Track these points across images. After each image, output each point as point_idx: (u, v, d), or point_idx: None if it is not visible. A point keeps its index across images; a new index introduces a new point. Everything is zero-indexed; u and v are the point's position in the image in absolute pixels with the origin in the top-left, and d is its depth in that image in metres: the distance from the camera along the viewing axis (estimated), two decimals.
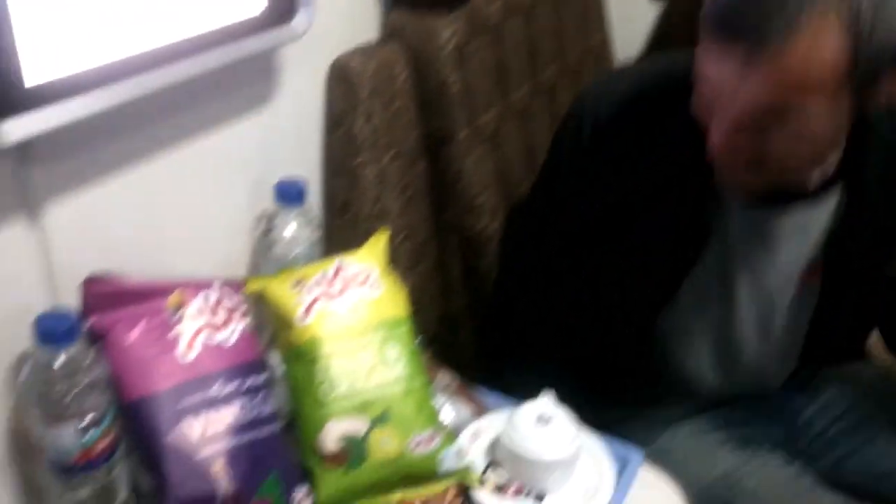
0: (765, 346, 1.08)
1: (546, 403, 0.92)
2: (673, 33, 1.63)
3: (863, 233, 0.97)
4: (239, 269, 0.99)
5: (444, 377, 1.03)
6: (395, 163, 1.08)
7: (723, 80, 0.78)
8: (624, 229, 0.98)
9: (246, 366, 0.78)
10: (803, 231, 0.97)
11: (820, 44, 0.72)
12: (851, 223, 0.96)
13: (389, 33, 1.12)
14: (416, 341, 0.92)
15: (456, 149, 1.13)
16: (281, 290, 0.88)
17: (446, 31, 1.09)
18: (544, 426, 0.89)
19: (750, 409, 1.18)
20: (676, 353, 1.08)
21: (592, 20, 1.52)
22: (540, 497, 0.89)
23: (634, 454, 0.95)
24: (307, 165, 1.06)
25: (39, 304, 0.73)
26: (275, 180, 0.95)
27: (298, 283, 0.89)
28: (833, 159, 0.91)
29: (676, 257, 0.98)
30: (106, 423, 0.72)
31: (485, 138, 1.17)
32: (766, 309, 1.04)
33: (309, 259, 0.97)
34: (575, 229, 1.02)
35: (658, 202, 0.95)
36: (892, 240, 0.98)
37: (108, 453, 0.73)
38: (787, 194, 0.94)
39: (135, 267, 0.79)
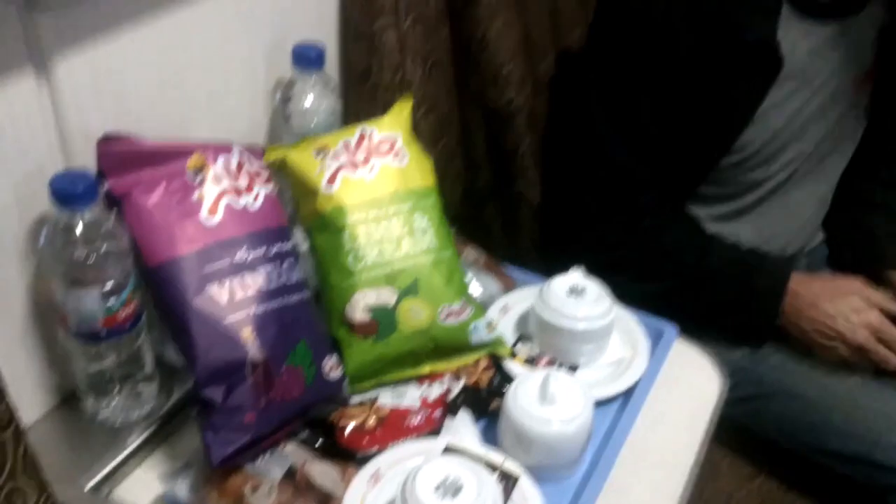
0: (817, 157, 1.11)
1: (578, 276, 0.89)
2: None
3: None
4: (257, 138, 0.95)
5: (472, 253, 1.00)
6: (417, 27, 1.02)
7: None
8: (702, 57, 0.99)
9: (272, 231, 0.74)
10: (853, 38, 1.04)
11: None
12: (892, 32, 1.05)
13: None
14: (444, 213, 0.89)
15: (481, 12, 1.06)
16: (303, 159, 0.84)
17: None
18: (577, 297, 0.86)
19: None
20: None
21: None
22: (573, 369, 0.87)
23: (669, 328, 0.93)
24: (325, 30, 1.00)
25: (53, 165, 0.69)
26: (292, 44, 0.89)
27: (321, 151, 0.85)
28: None
29: (755, 75, 1.01)
30: (129, 289, 0.69)
31: (510, 4, 1.10)
32: (829, 111, 1.08)
33: (329, 128, 0.93)
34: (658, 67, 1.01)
35: (731, 26, 0.98)
36: None
37: (133, 321, 0.71)
38: (836, 6, 1.02)
39: (149, 129, 0.75)
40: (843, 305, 1.05)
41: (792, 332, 1.07)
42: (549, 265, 0.94)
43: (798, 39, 1.01)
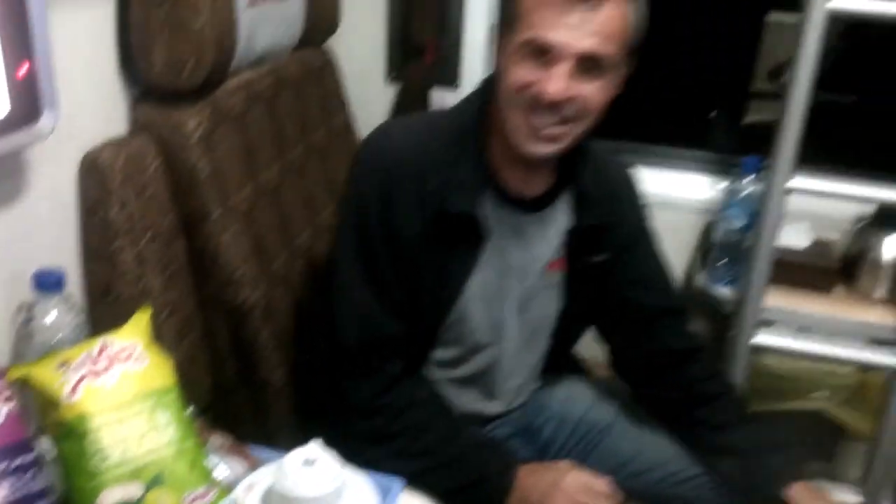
0: (524, 333, 1.32)
1: (313, 448, 1.02)
2: (409, 111, 1.83)
3: (587, 230, 1.26)
4: (1, 359, 1.01)
5: (218, 438, 1.10)
6: (153, 244, 1.15)
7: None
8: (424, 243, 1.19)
9: (14, 445, 0.81)
10: (546, 228, 1.26)
11: None
12: (578, 222, 1.26)
13: (139, 126, 1.20)
14: (187, 407, 0.99)
15: (212, 227, 1.22)
16: (45, 374, 0.92)
17: (191, 122, 1.19)
18: (310, 467, 0.99)
19: (503, 428, 1.38)
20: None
21: (333, 103, 1.68)
22: None
23: (395, 483, 1.07)
24: (66, 253, 1.11)
25: None
26: (32, 270, 0.99)
27: (63, 364, 0.94)
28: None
29: (463, 260, 1.22)
30: None
31: (239, 215, 1.28)
32: (526, 294, 1.28)
33: (73, 343, 1.02)
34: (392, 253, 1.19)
35: (446, 217, 1.17)
36: (608, 239, 1.28)
37: None
38: (534, 200, 1.24)
39: None
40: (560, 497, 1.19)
41: None
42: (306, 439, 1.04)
43: (500, 220, 1.22)
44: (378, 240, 1.18)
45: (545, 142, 1.12)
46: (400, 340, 1.23)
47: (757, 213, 1.55)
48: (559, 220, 1.27)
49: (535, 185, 1.24)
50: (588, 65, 1.07)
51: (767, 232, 1.50)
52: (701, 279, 1.71)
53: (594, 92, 1.09)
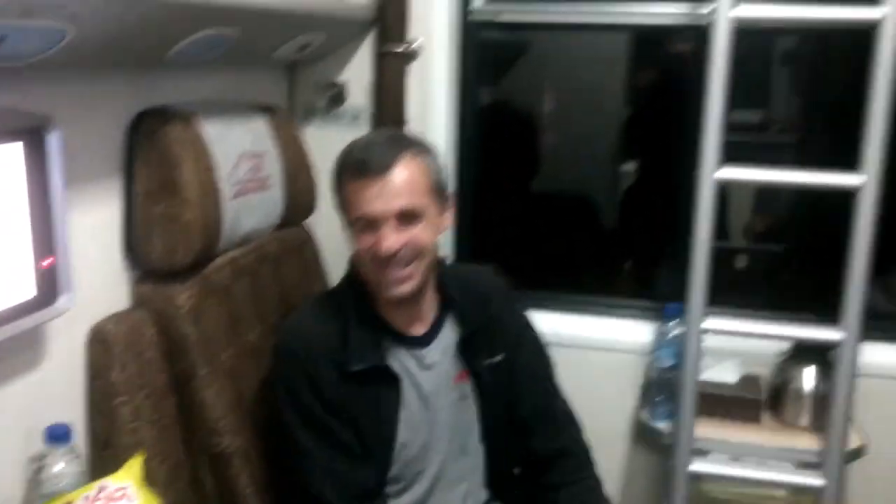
0: (454, 444, 1.53)
1: None
2: None
3: (471, 338, 1.52)
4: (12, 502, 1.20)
5: None
6: (148, 401, 1.36)
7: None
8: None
9: None
10: (441, 352, 1.52)
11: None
12: (461, 332, 1.52)
13: (139, 301, 1.44)
14: None
15: (198, 384, 1.44)
16: None
17: (182, 296, 1.43)
18: None
19: None
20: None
21: (311, 270, 1.93)
22: None
23: None
24: (74, 410, 1.32)
25: None
26: (45, 425, 1.20)
27: None
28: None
29: (389, 398, 1.46)
30: None
31: (223, 373, 1.49)
32: (447, 411, 1.51)
33: (77, 487, 1.21)
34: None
35: (362, 372, 1.43)
36: (497, 341, 1.54)
37: None
38: (425, 335, 1.51)
39: None
40: None
41: None
42: None
43: (405, 359, 1.49)
44: (317, 410, 1.43)
45: (399, 284, 1.41)
46: (374, 484, 1.45)
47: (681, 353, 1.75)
48: (449, 338, 1.53)
49: (422, 324, 1.52)
50: (405, 217, 1.38)
51: (690, 369, 1.70)
52: (643, 415, 1.89)
53: (418, 233, 1.39)
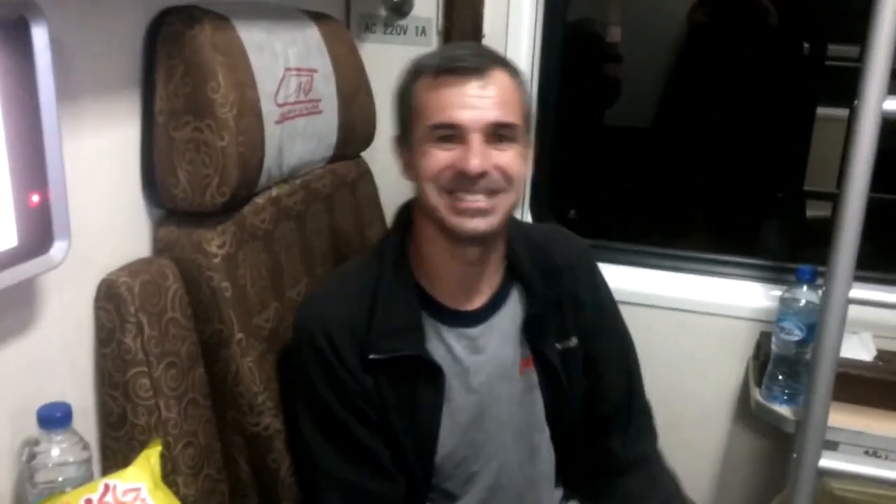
0: (520, 445, 1.25)
1: None
2: None
3: (539, 319, 1.23)
4: (2, 502, 0.96)
5: None
6: (170, 371, 1.10)
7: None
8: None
9: None
10: (500, 332, 1.23)
11: None
12: (532, 315, 1.23)
13: (160, 249, 1.17)
14: None
15: (233, 351, 1.17)
16: None
17: (214, 242, 1.16)
18: None
19: None
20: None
21: (369, 213, 1.65)
22: None
23: None
24: (78, 384, 1.07)
25: None
26: (40, 404, 0.95)
27: None
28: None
29: (430, 394, 1.18)
30: None
31: (262, 338, 1.23)
32: (504, 406, 1.23)
33: (81, 481, 0.96)
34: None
35: (395, 362, 1.15)
36: (571, 322, 1.26)
37: None
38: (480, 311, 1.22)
39: None
40: None
41: None
42: None
43: (452, 342, 1.19)
44: (336, 408, 1.15)
45: (478, 216, 1.12)
46: (390, 493, 1.18)
47: (815, 326, 1.44)
48: (512, 317, 1.24)
49: (479, 296, 1.23)
50: (496, 135, 1.11)
51: (828, 346, 1.39)
52: (758, 394, 1.59)
53: (510, 160, 1.12)
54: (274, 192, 1.33)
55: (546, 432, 1.28)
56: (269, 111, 1.24)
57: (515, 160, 1.12)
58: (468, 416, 1.21)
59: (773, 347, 1.56)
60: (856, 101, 1.31)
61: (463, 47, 1.16)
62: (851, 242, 1.34)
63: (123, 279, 1.07)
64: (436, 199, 1.13)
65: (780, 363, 1.55)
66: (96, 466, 1.07)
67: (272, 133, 1.25)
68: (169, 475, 1.08)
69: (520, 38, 1.72)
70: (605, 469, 1.32)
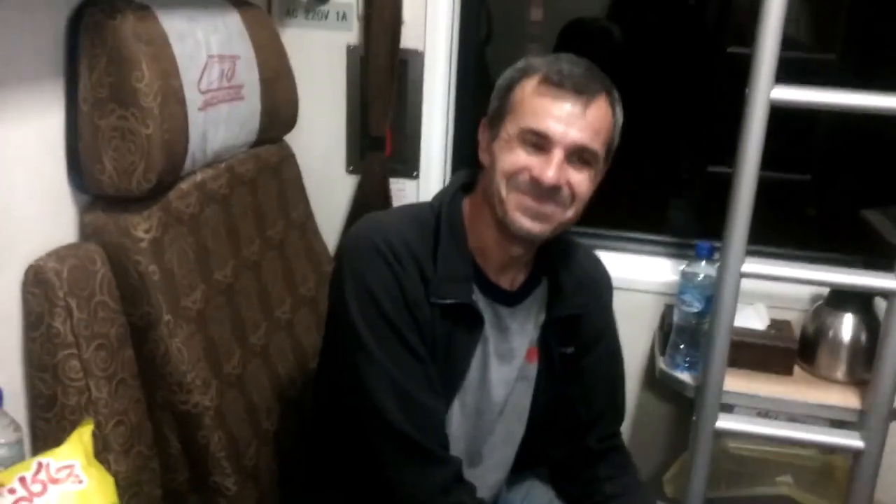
0: (503, 427, 1.33)
1: None
2: (370, 202, 1.84)
3: (559, 322, 1.31)
4: None
5: None
6: (100, 353, 1.14)
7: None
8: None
9: None
10: (522, 320, 1.30)
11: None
12: (551, 314, 1.31)
13: (87, 234, 1.20)
14: None
15: (161, 332, 1.21)
16: None
17: (140, 226, 1.19)
18: None
19: None
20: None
21: (292, 196, 1.69)
22: None
23: None
24: (7, 368, 1.09)
25: None
26: None
27: None
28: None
29: (465, 340, 1.25)
30: None
31: (190, 318, 1.27)
32: (505, 386, 1.31)
33: (13, 461, 0.99)
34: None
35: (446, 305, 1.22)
36: (576, 332, 1.33)
37: None
38: (512, 293, 1.29)
39: None
40: None
41: None
42: None
43: (485, 309, 1.26)
44: (400, 318, 1.19)
45: (538, 220, 1.18)
46: (443, 419, 1.24)
47: (712, 297, 1.55)
48: (534, 312, 1.32)
49: (511, 279, 1.29)
50: (576, 156, 1.16)
51: (723, 316, 1.51)
52: (661, 363, 1.71)
53: (582, 181, 1.17)
54: (199, 176, 1.36)
55: (524, 423, 1.36)
56: (193, 98, 1.27)
57: (586, 182, 1.18)
58: (479, 377, 1.28)
59: (675, 318, 1.67)
60: (747, 89, 1.42)
61: (577, 64, 1.18)
62: (744, 219, 1.46)
63: (51, 264, 1.10)
64: (504, 193, 1.18)
65: (682, 333, 1.67)
66: (27, 448, 1.10)
67: (196, 120, 1.28)
68: (101, 453, 1.12)
69: (438, 24, 1.77)
70: (576, 458, 1.41)
